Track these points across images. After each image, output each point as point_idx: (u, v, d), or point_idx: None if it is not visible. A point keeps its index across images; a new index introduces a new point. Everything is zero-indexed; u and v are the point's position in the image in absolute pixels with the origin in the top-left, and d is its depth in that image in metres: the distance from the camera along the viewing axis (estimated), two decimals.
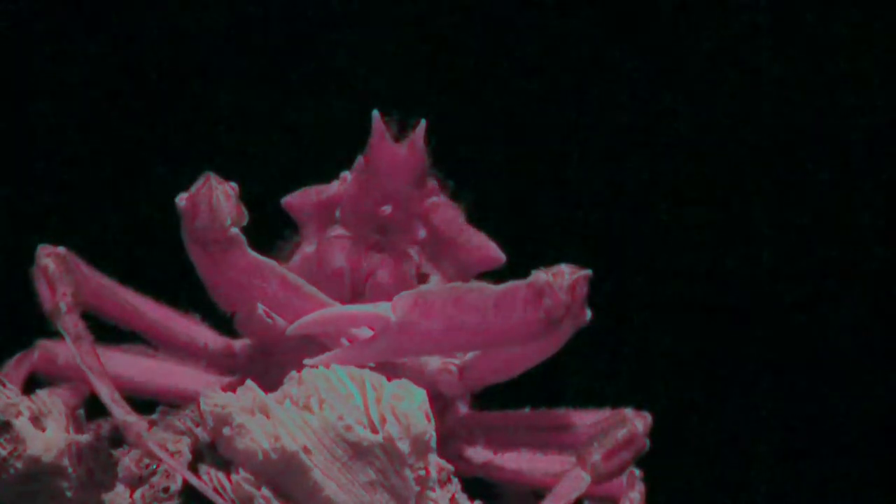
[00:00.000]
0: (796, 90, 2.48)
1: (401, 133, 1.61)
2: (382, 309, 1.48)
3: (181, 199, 1.52)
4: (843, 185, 2.49)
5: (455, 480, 1.46)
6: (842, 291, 2.49)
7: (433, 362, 1.60)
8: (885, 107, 2.46)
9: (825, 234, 2.49)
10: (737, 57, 2.48)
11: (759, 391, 2.51)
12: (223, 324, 1.62)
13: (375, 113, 1.60)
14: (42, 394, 1.50)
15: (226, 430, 1.41)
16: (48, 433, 1.45)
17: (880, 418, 2.48)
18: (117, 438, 1.49)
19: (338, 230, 1.64)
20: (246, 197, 1.53)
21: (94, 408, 1.51)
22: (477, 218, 1.71)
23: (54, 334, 1.53)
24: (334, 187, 1.66)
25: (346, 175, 1.65)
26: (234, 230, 1.51)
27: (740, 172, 2.50)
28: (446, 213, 1.67)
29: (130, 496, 1.46)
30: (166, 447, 1.46)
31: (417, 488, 1.42)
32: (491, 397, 1.69)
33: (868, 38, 2.45)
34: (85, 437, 1.47)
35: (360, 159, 1.63)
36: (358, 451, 1.39)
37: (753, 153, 2.50)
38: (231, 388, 1.47)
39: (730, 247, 2.50)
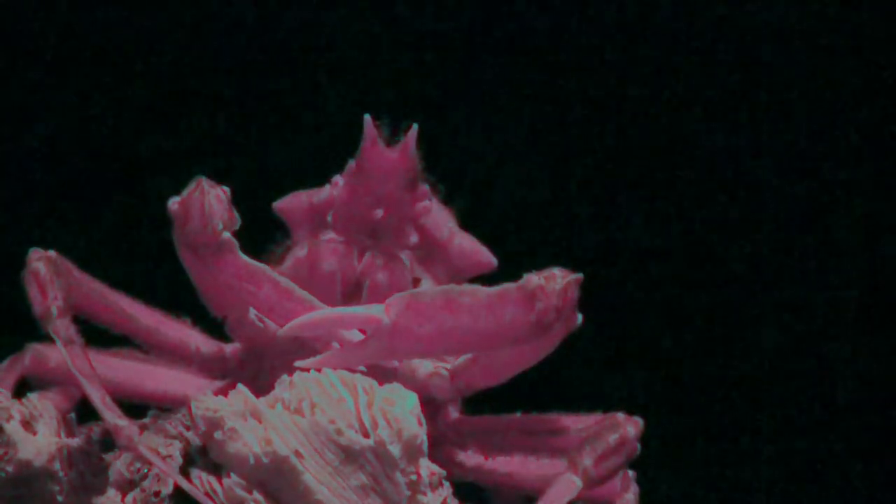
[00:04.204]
0: (797, 90, 2.49)
1: (392, 137, 1.62)
2: (375, 311, 1.48)
3: (173, 204, 1.52)
4: (846, 186, 2.50)
5: (446, 484, 1.46)
6: (843, 290, 2.50)
7: (424, 366, 1.60)
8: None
9: (828, 231, 2.49)
10: (735, 54, 2.49)
11: (756, 394, 2.51)
12: (214, 328, 1.62)
13: (367, 117, 1.60)
14: (33, 397, 1.49)
15: (217, 434, 1.41)
16: (39, 437, 1.45)
17: (881, 419, 2.49)
18: (108, 442, 1.48)
19: (329, 234, 1.64)
20: (237, 201, 1.53)
21: (85, 412, 1.51)
22: (468, 222, 1.71)
23: (45, 338, 1.53)
24: (326, 191, 1.66)
25: (338, 179, 1.65)
26: (226, 234, 1.51)
27: (740, 170, 2.51)
28: (437, 217, 1.67)
29: (122, 500, 1.46)
30: (158, 451, 1.46)
31: (408, 492, 1.42)
32: (482, 401, 1.69)
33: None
34: (76, 441, 1.47)
35: (351, 163, 1.63)
36: (349, 455, 1.39)
37: (754, 150, 2.50)
38: (222, 392, 1.47)
39: (728, 247, 2.51)
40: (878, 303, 2.50)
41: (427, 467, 1.44)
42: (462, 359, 1.59)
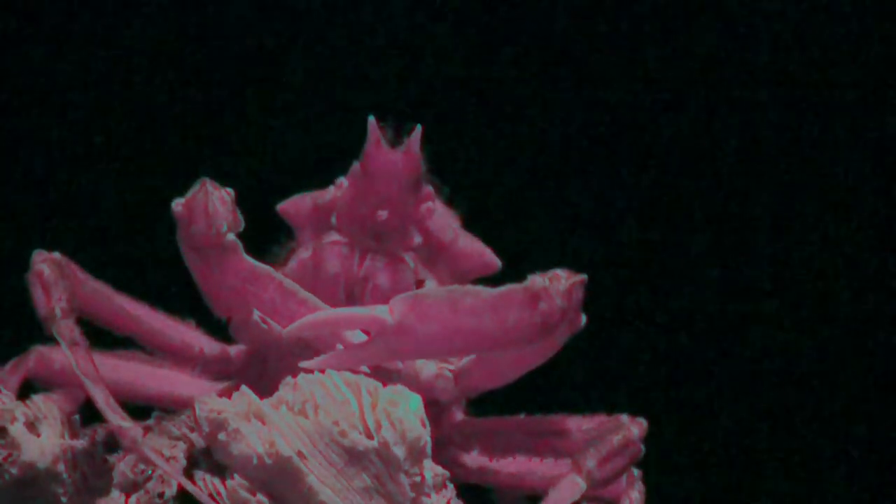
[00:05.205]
0: (797, 92, 2.49)
1: (396, 139, 1.62)
2: (379, 311, 1.48)
3: (177, 205, 1.52)
4: (845, 192, 2.50)
5: (450, 486, 1.46)
6: (843, 294, 2.49)
7: (428, 368, 1.60)
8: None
9: (825, 238, 2.49)
10: (737, 57, 2.49)
11: (757, 395, 2.51)
12: (219, 329, 1.62)
13: (371, 118, 1.60)
14: (37, 399, 1.50)
15: (221, 436, 1.41)
16: (43, 439, 1.45)
17: (882, 418, 2.49)
18: (112, 444, 1.49)
19: (333, 236, 1.64)
20: (242, 202, 1.53)
21: (89, 413, 1.51)
22: (472, 224, 1.71)
23: (49, 340, 1.53)
24: (330, 193, 1.66)
25: (342, 181, 1.65)
26: (230, 236, 1.52)
27: (739, 175, 2.50)
28: (441, 218, 1.67)
29: (125, 502, 1.46)
30: (162, 453, 1.46)
31: (412, 494, 1.42)
32: (486, 403, 1.69)
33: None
34: (80, 443, 1.47)
35: (355, 165, 1.63)
36: (353, 457, 1.39)
37: (752, 156, 2.50)
38: (226, 393, 1.47)
39: (729, 249, 2.51)
40: (878, 302, 2.50)
41: (431, 469, 1.44)
42: (466, 360, 1.59)
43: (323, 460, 1.39)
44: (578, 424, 1.66)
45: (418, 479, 1.42)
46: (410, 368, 1.58)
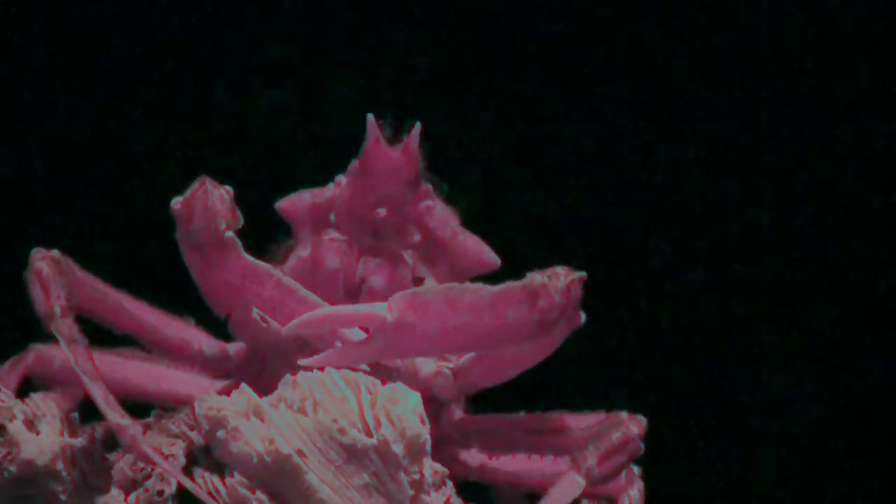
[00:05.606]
0: (797, 92, 2.49)
1: (395, 136, 1.62)
2: (378, 309, 1.48)
3: (176, 203, 1.52)
4: (845, 189, 2.50)
5: (450, 483, 1.46)
6: (843, 291, 2.49)
7: (428, 365, 1.60)
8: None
9: (825, 233, 2.49)
10: (736, 54, 2.49)
11: (757, 395, 2.51)
12: (218, 327, 1.62)
13: (370, 116, 1.60)
14: (36, 397, 1.50)
15: (220, 434, 1.41)
16: (42, 437, 1.45)
17: (881, 418, 2.49)
18: (111, 442, 1.49)
19: (332, 233, 1.64)
20: (240, 200, 1.53)
21: (88, 411, 1.51)
22: (471, 221, 1.71)
23: (48, 338, 1.53)
24: (329, 191, 1.66)
25: (341, 178, 1.65)
26: (229, 234, 1.52)
27: (739, 172, 2.51)
28: (440, 216, 1.67)
29: (125, 500, 1.46)
30: (161, 451, 1.46)
31: (412, 491, 1.42)
32: (486, 400, 1.69)
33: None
34: (79, 441, 1.47)
35: (354, 163, 1.63)
36: (352, 454, 1.39)
37: (752, 156, 2.50)
38: (226, 391, 1.47)
39: (728, 247, 2.51)
40: (878, 303, 2.50)
41: (430, 466, 1.44)
42: (465, 358, 1.59)
43: (322, 458, 1.39)
44: (578, 422, 1.66)
45: (417, 476, 1.42)
46: (410, 366, 1.59)
